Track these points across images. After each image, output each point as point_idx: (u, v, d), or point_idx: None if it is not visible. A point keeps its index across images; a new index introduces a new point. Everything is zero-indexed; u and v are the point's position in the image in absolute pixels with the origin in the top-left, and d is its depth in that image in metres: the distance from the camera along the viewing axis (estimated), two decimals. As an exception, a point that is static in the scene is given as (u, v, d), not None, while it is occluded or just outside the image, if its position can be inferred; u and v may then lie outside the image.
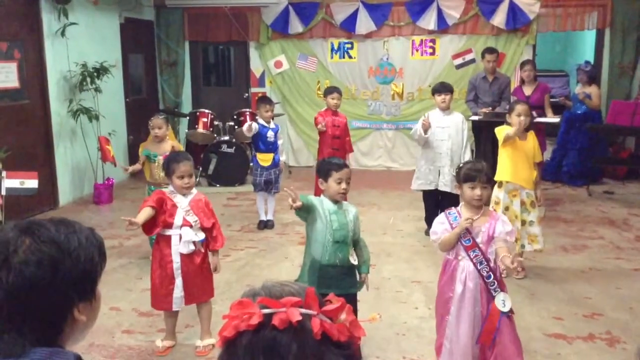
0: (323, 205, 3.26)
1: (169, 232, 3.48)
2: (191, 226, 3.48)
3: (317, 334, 0.87)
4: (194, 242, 3.49)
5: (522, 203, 4.66)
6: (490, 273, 3.08)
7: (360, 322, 0.97)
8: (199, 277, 3.57)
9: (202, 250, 3.57)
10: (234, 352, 0.89)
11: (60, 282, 1.13)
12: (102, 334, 3.82)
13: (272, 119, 6.28)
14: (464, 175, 3.17)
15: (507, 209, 4.62)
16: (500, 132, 4.71)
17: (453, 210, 3.21)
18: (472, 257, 3.09)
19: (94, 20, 7.71)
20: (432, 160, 5.60)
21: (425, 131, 5.46)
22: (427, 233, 5.80)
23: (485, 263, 3.08)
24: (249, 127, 5.89)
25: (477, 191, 3.12)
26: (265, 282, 0.97)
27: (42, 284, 1.11)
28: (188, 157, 3.64)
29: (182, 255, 3.49)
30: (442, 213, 3.25)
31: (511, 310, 3.09)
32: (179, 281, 3.50)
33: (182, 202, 3.50)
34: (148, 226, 3.47)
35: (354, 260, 3.28)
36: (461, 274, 3.12)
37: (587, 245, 5.57)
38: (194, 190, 3.60)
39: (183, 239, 3.46)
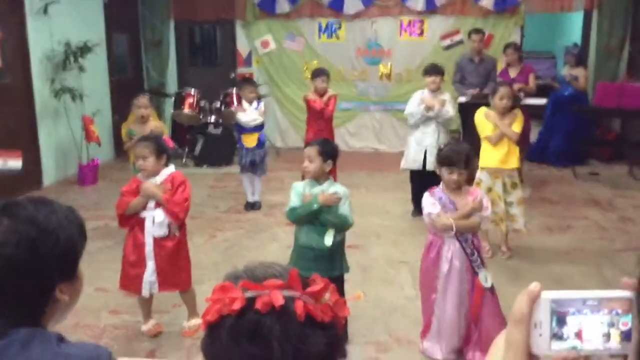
0: (305, 189, 3.27)
1: (143, 213, 3.42)
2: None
3: (301, 316, 0.87)
4: (168, 225, 3.42)
5: (504, 184, 4.71)
6: (475, 250, 3.16)
7: (345, 301, 0.96)
8: (173, 265, 3.48)
9: (176, 235, 3.48)
10: (217, 336, 0.88)
11: (40, 262, 1.11)
12: (88, 315, 3.80)
13: (259, 99, 6.23)
14: (443, 158, 3.25)
15: (489, 190, 4.67)
16: (479, 119, 4.75)
17: (437, 189, 3.29)
18: (457, 235, 3.15)
19: (77, -3, 7.57)
20: (420, 140, 5.61)
21: (429, 110, 5.47)
22: (414, 214, 5.84)
23: (470, 241, 3.17)
24: (263, 112, 6.04)
25: (454, 176, 3.22)
26: (248, 263, 0.96)
27: (21, 264, 1.10)
28: (148, 138, 3.54)
29: (155, 238, 3.42)
30: (428, 194, 3.29)
31: (492, 286, 3.17)
32: (150, 264, 3.43)
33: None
34: (127, 218, 3.44)
35: (328, 242, 3.21)
36: (447, 253, 3.19)
37: (572, 226, 5.62)
38: (167, 171, 3.46)
39: (156, 220, 3.39)
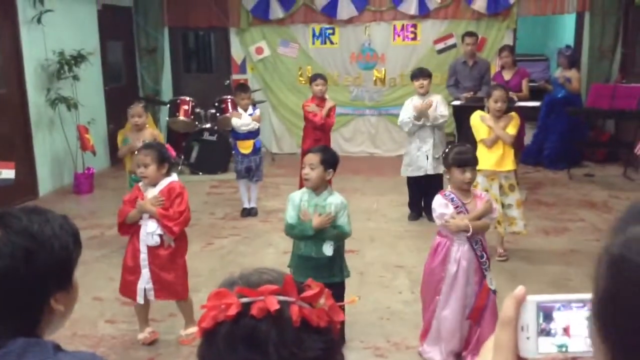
0: (302, 199, 3.28)
1: (140, 221, 3.44)
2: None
3: (296, 322, 0.87)
4: (160, 235, 3.42)
5: (501, 186, 4.72)
6: (484, 252, 3.18)
7: (340, 305, 0.96)
8: (168, 274, 3.47)
9: (171, 245, 3.47)
10: (213, 343, 0.88)
11: (35, 272, 1.11)
12: (85, 324, 3.79)
13: (255, 105, 6.24)
14: (453, 160, 3.24)
15: (486, 192, 4.67)
16: (475, 122, 4.77)
17: (447, 191, 3.30)
18: (469, 237, 3.16)
19: (70, 7, 7.56)
20: (420, 146, 5.62)
21: (420, 118, 5.48)
22: (410, 218, 5.85)
23: (480, 242, 3.20)
24: (258, 118, 6.09)
25: (468, 174, 3.21)
26: (243, 270, 0.97)
27: (16, 275, 1.10)
28: (150, 146, 3.53)
29: (149, 247, 3.42)
30: (439, 195, 3.28)
31: (495, 290, 3.19)
32: (145, 272, 3.43)
33: (149, 194, 3.43)
34: (126, 227, 3.47)
35: (328, 252, 3.23)
36: (456, 254, 3.19)
37: (568, 228, 5.63)
38: (166, 180, 3.45)
39: (147, 230, 3.40)
